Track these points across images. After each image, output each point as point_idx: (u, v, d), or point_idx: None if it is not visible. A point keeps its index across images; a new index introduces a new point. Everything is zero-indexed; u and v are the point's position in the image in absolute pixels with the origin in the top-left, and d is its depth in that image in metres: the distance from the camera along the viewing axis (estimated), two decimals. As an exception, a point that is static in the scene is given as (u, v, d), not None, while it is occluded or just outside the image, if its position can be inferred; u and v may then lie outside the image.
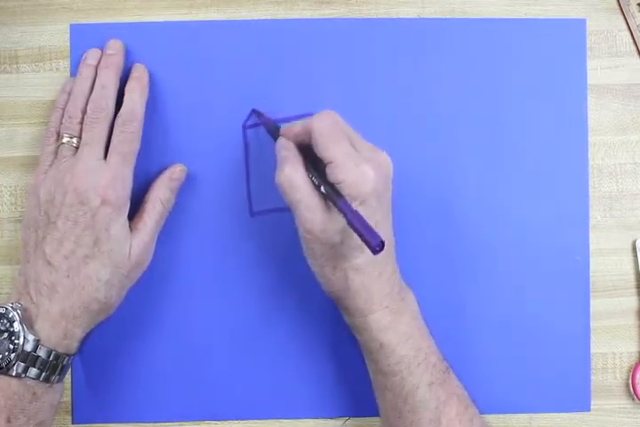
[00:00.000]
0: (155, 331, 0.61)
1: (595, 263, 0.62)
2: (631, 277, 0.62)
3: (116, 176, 0.55)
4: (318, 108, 0.60)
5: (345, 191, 0.50)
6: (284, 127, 0.56)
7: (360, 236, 0.48)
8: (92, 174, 0.54)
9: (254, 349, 0.61)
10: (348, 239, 0.52)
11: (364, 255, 0.52)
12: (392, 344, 0.53)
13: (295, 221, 0.52)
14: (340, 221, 0.51)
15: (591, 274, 0.62)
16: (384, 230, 0.52)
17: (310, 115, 0.59)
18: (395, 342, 0.53)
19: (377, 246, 0.47)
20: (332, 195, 0.50)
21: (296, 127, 0.54)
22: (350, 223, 0.49)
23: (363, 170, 0.50)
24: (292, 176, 0.51)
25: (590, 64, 0.62)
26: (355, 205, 0.50)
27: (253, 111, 0.61)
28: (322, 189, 0.51)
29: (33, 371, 0.52)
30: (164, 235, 0.59)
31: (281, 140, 0.55)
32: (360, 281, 0.53)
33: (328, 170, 0.51)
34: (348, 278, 0.53)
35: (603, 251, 0.62)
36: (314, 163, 0.53)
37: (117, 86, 0.58)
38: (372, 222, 0.50)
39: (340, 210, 0.50)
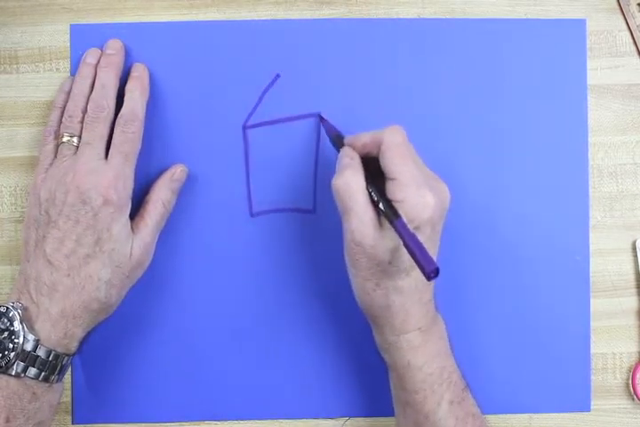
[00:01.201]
0: (155, 331, 0.61)
1: (595, 263, 0.62)
2: (631, 277, 0.62)
3: (118, 176, 0.55)
4: (318, 108, 0.60)
5: (402, 211, 0.49)
6: (348, 137, 0.55)
7: (415, 259, 0.47)
8: (94, 174, 0.54)
9: (254, 349, 0.61)
10: (397, 260, 0.51)
11: (409, 278, 0.52)
12: (419, 363, 0.53)
13: (344, 230, 0.52)
14: (391, 240, 0.50)
15: (591, 274, 0.62)
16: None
17: (311, 115, 0.60)
18: (422, 361, 0.53)
19: (431, 273, 0.46)
20: (389, 213, 0.50)
21: (364, 138, 0.53)
22: (407, 245, 0.48)
23: (424, 195, 0.50)
24: (352, 182, 0.51)
25: (590, 64, 0.62)
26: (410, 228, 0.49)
27: (319, 117, 0.61)
28: (380, 205, 0.50)
29: (32, 370, 0.52)
30: (164, 235, 0.59)
31: (346, 149, 0.54)
32: (401, 302, 0.52)
33: (390, 186, 0.50)
34: (389, 298, 0.52)
35: (603, 251, 0.62)
36: (374, 179, 0.52)
37: (117, 86, 0.58)
38: None
39: (397, 230, 0.49)
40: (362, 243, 0.50)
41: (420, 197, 0.50)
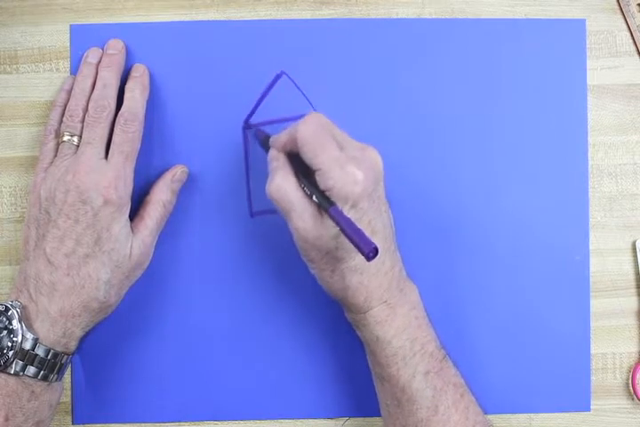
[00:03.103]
0: (154, 331, 0.61)
1: (595, 263, 0.62)
2: (631, 277, 0.62)
3: (119, 176, 0.55)
4: (318, 108, 0.60)
5: (335, 196, 0.50)
6: (272, 138, 0.55)
7: (354, 244, 0.48)
8: (95, 173, 0.54)
9: (254, 349, 0.61)
10: (343, 243, 0.52)
11: (359, 256, 0.52)
12: (388, 337, 0.54)
13: (290, 230, 0.53)
14: (333, 227, 0.51)
15: (591, 274, 0.62)
16: (378, 226, 0.53)
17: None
18: (391, 334, 0.54)
19: (370, 253, 0.47)
20: (323, 203, 0.50)
21: (283, 137, 0.54)
22: (343, 232, 0.49)
23: (350, 172, 0.50)
24: (282, 186, 0.52)
25: (590, 64, 0.62)
26: (346, 209, 0.50)
27: (246, 125, 0.61)
28: (314, 197, 0.51)
29: (31, 369, 0.52)
30: (164, 235, 0.59)
31: (272, 152, 0.55)
32: (358, 280, 0.53)
33: (317, 177, 0.51)
34: (345, 279, 0.53)
35: (603, 251, 0.62)
36: (305, 171, 0.52)
37: (118, 86, 0.58)
38: (364, 223, 0.50)
39: (332, 218, 0.50)
40: (306, 238, 0.52)
41: (346, 175, 0.50)
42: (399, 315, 0.54)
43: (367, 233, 0.48)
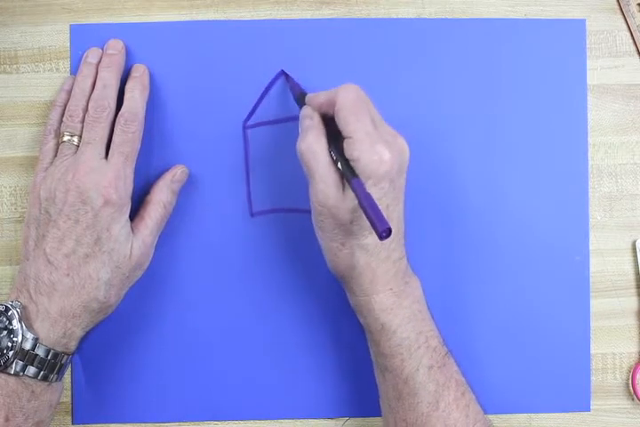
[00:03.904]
0: (154, 331, 0.61)
1: (595, 263, 0.62)
2: (631, 277, 0.62)
3: (119, 176, 0.55)
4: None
5: (359, 169, 0.50)
6: (309, 95, 0.55)
7: (369, 219, 0.48)
8: (95, 174, 0.54)
9: (254, 349, 0.61)
10: (359, 219, 0.52)
11: (372, 236, 0.52)
12: (393, 326, 0.53)
13: (309, 192, 0.52)
14: (352, 200, 0.51)
15: (591, 274, 0.62)
16: (394, 215, 0.53)
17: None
18: (396, 323, 0.53)
19: (383, 232, 0.47)
20: (346, 172, 0.50)
21: (321, 97, 0.53)
22: (361, 205, 0.48)
23: (379, 151, 0.50)
24: (314, 145, 0.51)
25: (590, 64, 0.62)
26: (367, 186, 0.50)
27: (282, 73, 0.61)
28: (338, 165, 0.51)
29: (31, 369, 0.52)
30: (164, 235, 0.59)
31: (306, 109, 0.54)
32: (366, 261, 0.53)
33: (345, 145, 0.51)
34: (354, 256, 0.53)
35: (603, 251, 0.62)
36: (334, 137, 0.52)
37: (118, 86, 0.58)
38: (382, 205, 0.50)
39: (353, 189, 0.49)
40: (325, 204, 0.51)
41: (374, 153, 0.50)
42: (405, 306, 0.54)
43: None
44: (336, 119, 0.52)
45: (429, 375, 0.53)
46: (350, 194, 0.51)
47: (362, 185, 0.49)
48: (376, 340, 0.55)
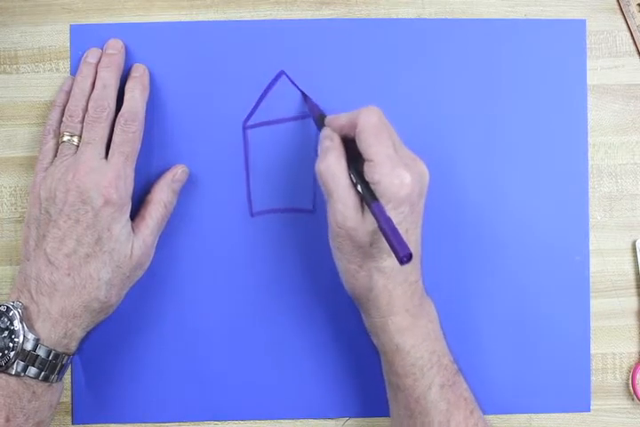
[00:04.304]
0: (155, 331, 0.61)
1: (595, 263, 0.62)
2: (631, 277, 0.62)
3: (119, 176, 0.55)
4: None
5: (379, 193, 0.50)
6: (329, 117, 0.55)
7: (389, 243, 0.48)
8: (95, 173, 0.54)
9: (254, 349, 0.61)
10: (378, 241, 0.51)
11: (391, 259, 0.52)
12: (407, 346, 0.53)
13: (328, 213, 0.52)
14: (372, 223, 0.50)
15: (591, 274, 0.62)
16: (412, 238, 0.52)
17: (309, 116, 0.60)
18: (410, 344, 0.53)
19: (404, 257, 0.47)
20: (367, 195, 0.50)
21: (342, 119, 0.53)
22: (382, 229, 0.48)
23: (400, 174, 0.50)
24: (334, 167, 0.51)
25: (590, 64, 0.62)
26: (387, 209, 0.50)
27: (303, 96, 0.61)
28: (358, 187, 0.51)
29: (32, 370, 0.52)
30: (164, 235, 0.59)
31: (327, 131, 0.54)
32: (384, 283, 0.53)
33: (366, 168, 0.51)
34: (372, 279, 0.53)
35: (603, 251, 0.62)
36: (353, 160, 0.52)
37: (118, 86, 0.58)
38: (401, 229, 0.50)
39: (374, 213, 0.49)
40: (344, 225, 0.51)
41: (395, 176, 0.50)
42: (420, 326, 0.54)
43: None
44: (357, 141, 0.52)
45: (441, 394, 0.53)
46: (369, 216, 0.50)
47: (382, 209, 0.49)
48: (389, 360, 0.54)
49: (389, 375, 0.55)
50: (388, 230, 0.48)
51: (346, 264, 0.53)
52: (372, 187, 0.50)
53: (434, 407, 0.53)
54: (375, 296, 0.53)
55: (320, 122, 0.57)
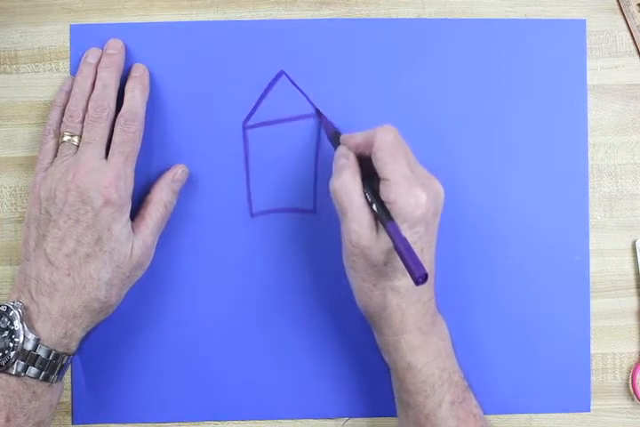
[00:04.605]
0: (155, 331, 0.61)
1: (595, 263, 0.62)
2: (631, 277, 0.62)
3: (119, 176, 0.55)
4: (318, 108, 0.60)
5: (395, 212, 0.50)
6: (344, 136, 0.55)
7: (405, 264, 0.47)
8: (95, 173, 0.54)
9: (254, 349, 0.61)
10: (393, 261, 0.51)
11: (405, 278, 0.51)
12: (419, 364, 0.53)
13: (342, 232, 0.52)
14: (387, 242, 0.50)
15: (591, 274, 0.62)
16: (427, 258, 0.52)
17: (311, 115, 0.60)
18: (422, 362, 0.53)
19: (420, 278, 0.46)
20: (382, 215, 0.50)
21: (357, 137, 0.53)
22: (397, 249, 0.48)
23: (416, 194, 0.50)
24: (349, 185, 0.51)
25: (590, 64, 0.62)
26: (402, 229, 0.49)
27: (317, 113, 0.61)
28: (373, 206, 0.51)
29: (32, 370, 0.52)
30: (164, 235, 0.59)
31: (342, 149, 0.54)
32: (397, 303, 0.53)
33: (382, 187, 0.51)
34: (386, 298, 0.53)
35: (603, 251, 0.62)
36: (368, 179, 0.52)
37: (118, 86, 0.58)
38: (416, 249, 0.49)
39: (389, 232, 0.49)
40: (358, 244, 0.51)
41: (411, 196, 0.50)
42: (431, 343, 0.54)
43: None
44: (373, 160, 0.51)
45: (451, 411, 0.53)
46: (384, 235, 0.50)
47: (398, 229, 0.49)
48: (401, 377, 0.54)
49: (400, 393, 0.55)
50: (403, 251, 0.47)
51: (360, 282, 0.53)
52: (388, 206, 0.50)
53: (444, 424, 0.53)
54: (389, 315, 0.53)
55: (335, 140, 0.56)
